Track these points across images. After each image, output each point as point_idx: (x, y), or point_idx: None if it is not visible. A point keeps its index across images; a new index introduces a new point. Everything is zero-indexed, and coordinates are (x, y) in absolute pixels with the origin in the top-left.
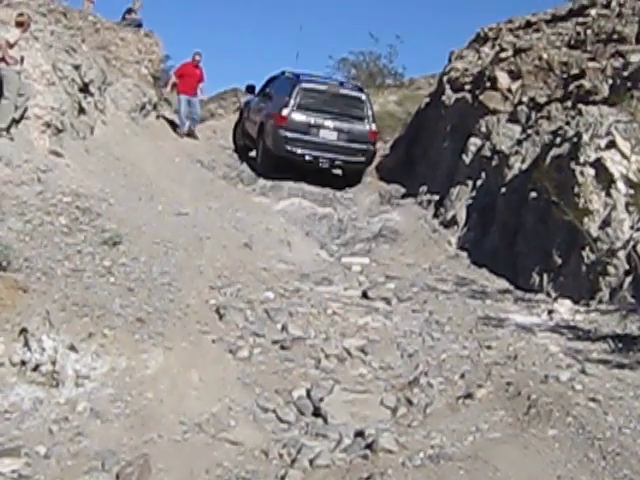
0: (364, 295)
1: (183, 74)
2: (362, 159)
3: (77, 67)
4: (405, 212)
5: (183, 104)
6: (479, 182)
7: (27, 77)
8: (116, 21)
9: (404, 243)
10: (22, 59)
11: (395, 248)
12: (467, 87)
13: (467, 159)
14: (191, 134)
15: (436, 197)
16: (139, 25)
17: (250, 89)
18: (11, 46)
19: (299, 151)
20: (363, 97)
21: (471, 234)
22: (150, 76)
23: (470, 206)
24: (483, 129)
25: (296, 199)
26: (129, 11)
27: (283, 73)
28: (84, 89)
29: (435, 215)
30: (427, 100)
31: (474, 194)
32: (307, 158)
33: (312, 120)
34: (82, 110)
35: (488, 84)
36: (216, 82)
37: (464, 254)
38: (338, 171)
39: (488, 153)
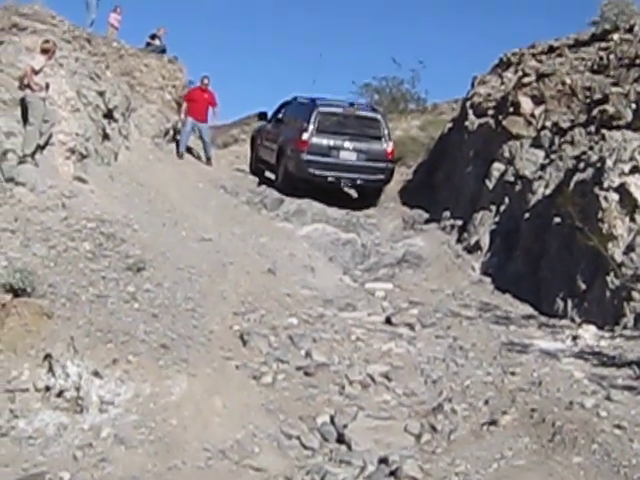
0: (388, 321)
1: (191, 99)
2: (382, 177)
3: (101, 93)
4: (428, 237)
5: (187, 127)
6: (502, 207)
7: (52, 103)
8: (140, 47)
9: (427, 268)
10: (47, 86)
11: (418, 273)
12: (490, 112)
13: (490, 184)
14: (208, 161)
15: (459, 222)
16: (163, 51)
17: (262, 116)
18: (36, 73)
19: (321, 173)
20: (379, 117)
21: (495, 259)
22: (174, 102)
23: (494, 231)
24: (506, 154)
25: (319, 224)
26: (153, 37)
27: (295, 98)
28: (108, 115)
29: (458, 240)
30: (450, 125)
31: (497, 219)
32: (329, 179)
33: (331, 142)
34: (106, 136)
35: (511, 109)
36: (239, 107)
37: (488, 279)
38: (352, 192)
39: (511, 178)
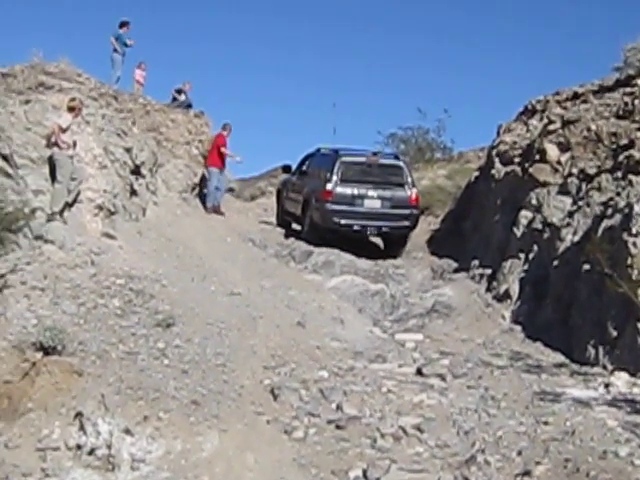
0: (418, 372)
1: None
2: (407, 224)
3: (128, 150)
4: (458, 287)
5: (214, 177)
6: (531, 255)
7: (79, 161)
8: (166, 103)
9: (457, 318)
10: (74, 143)
11: (448, 323)
12: (516, 160)
13: (518, 232)
14: (217, 210)
15: (488, 271)
16: (189, 106)
17: (286, 169)
18: (63, 131)
19: (346, 222)
20: (401, 164)
21: (525, 307)
22: (200, 156)
23: (523, 279)
24: (534, 202)
25: (348, 276)
26: (179, 92)
27: (319, 150)
28: (135, 171)
29: (488, 289)
30: (477, 174)
31: (526, 267)
32: (355, 228)
33: (356, 191)
34: (134, 192)
35: (537, 157)
36: (266, 160)
37: (518, 328)
38: (379, 241)
39: (539, 226)
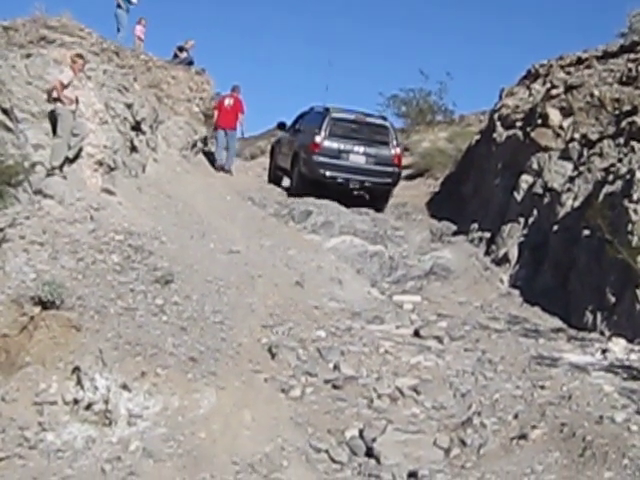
0: (416, 334)
1: (219, 107)
2: (389, 180)
3: (129, 106)
4: (456, 250)
5: (220, 138)
6: (531, 220)
7: (80, 116)
8: (167, 59)
9: (456, 281)
10: (76, 99)
11: (447, 286)
12: (518, 124)
13: (518, 196)
14: (226, 170)
15: (487, 235)
16: (190, 63)
17: (281, 126)
18: (65, 87)
19: (332, 174)
20: (387, 124)
21: (523, 272)
22: (201, 114)
23: (522, 244)
24: (535, 166)
25: (347, 237)
26: (180, 49)
27: (312, 108)
28: (136, 127)
29: (487, 253)
30: (478, 137)
31: (526, 232)
32: (339, 180)
33: (342, 146)
34: (134, 148)
35: (539, 121)
36: (266, 119)
37: (516, 292)
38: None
39: (540, 190)
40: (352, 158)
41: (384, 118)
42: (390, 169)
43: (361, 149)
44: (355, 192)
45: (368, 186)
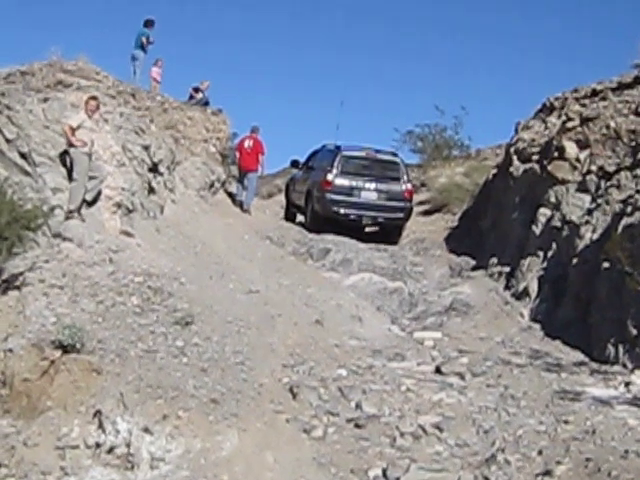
0: (437, 370)
1: (240, 148)
2: (400, 215)
3: (146, 147)
4: (476, 285)
5: (254, 180)
6: (550, 253)
7: (98, 158)
8: (183, 100)
9: (476, 316)
10: (92, 141)
11: (467, 321)
12: (535, 157)
13: (537, 230)
14: (245, 210)
15: (507, 269)
16: (206, 104)
17: (295, 164)
18: (74, 130)
19: (344, 211)
20: (398, 160)
21: (543, 306)
22: (218, 154)
23: (542, 277)
24: (552, 199)
25: (366, 274)
26: (196, 90)
27: (324, 146)
28: (153, 169)
29: (506, 287)
30: (494, 171)
31: (545, 265)
32: (352, 217)
33: (354, 183)
34: (152, 190)
35: (556, 154)
36: (283, 157)
37: (537, 326)
38: (375, 228)
39: (558, 223)
40: (364, 195)
41: (394, 154)
42: (402, 204)
43: (372, 185)
44: (368, 228)
45: (381, 222)
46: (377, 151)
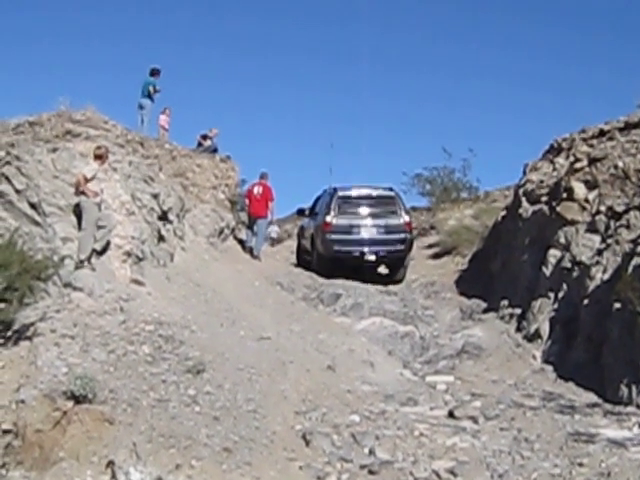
0: (450, 414)
1: (249, 196)
2: (401, 247)
3: (155, 196)
4: (487, 327)
5: (264, 227)
6: (561, 294)
7: (107, 207)
8: (192, 148)
9: (488, 359)
10: (102, 191)
11: (479, 364)
12: (543, 199)
13: (547, 271)
14: (255, 256)
15: (518, 311)
16: (215, 151)
17: (301, 212)
18: (88, 180)
19: (346, 249)
20: (393, 195)
21: (555, 347)
22: (227, 201)
23: (553, 319)
24: (562, 240)
25: (377, 318)
26: (204, 137)
27: (325, 190)
28: (163, 217)
29: (518, 329)
30: (504, 213)
31: (556, 306)
32: (355, 254)
33: (353, 221)
34: (162, 238)
35: (565, 195)
36: (293, 202)
37: (549, 368)
38: (384, 269)
39: (568, 264)
40: (363, 231)
41: (389, 189)
42: (402, 236)
43: (371, 222)
44: (371, 263)
45: (383, 255)
46: (372, 188)
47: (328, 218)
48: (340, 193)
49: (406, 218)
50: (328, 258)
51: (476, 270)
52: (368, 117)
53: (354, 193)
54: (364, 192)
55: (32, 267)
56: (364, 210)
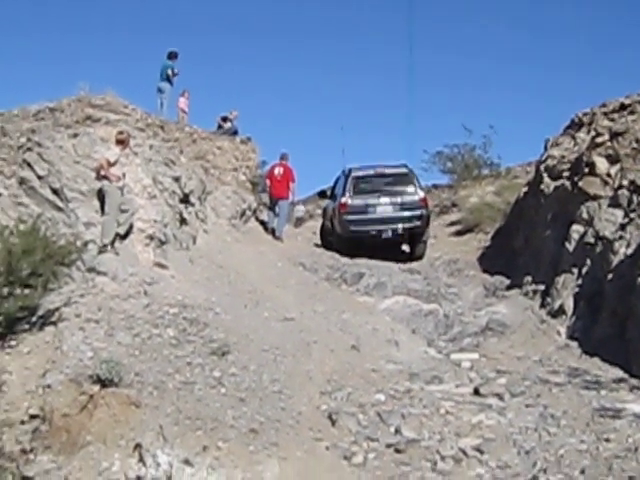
0: (476, 392)
1: (270, 177)
2: (418, 223)
3: (177, 179)
4: (511, 304)
5: (286, 208)
6: (584, 269)
7: (129, 192)
8: (212, 130)
9: (512, 335)
10: (124, 175)
11: (504, 341)
12: (565, 174)
13: (570, 247)
14: (277, 237)
15: (541, 287)
16: (235, 133)
17: (322, 194)
18: (112, 164)
19: (363, 228)
20: (406, 171)
21: (580, 323)
22: (248, 182)
23: (577, 294)
24: (585, 215)
25: (400, 297)
26: (224, 119)
27: (343, 172)
28: (185, 200)
29: (542, 305)
30: (525, 189)
31: (580, 282)
32: (372, 233)
33: (368, 201)
34: (184, 221)
35: (586, 170)
36: (313, 182)
37: (574, 344)
38: (406, 247)
39: (592, 240)
40: (379, 210)
41: (403, 165)
42: (418, 212)
43: (386, 199)
44: (389, 241)
45: (401, 233)
46: (386, 166)
47: (343, 199)
48: (354, 174)
49: (421, 194)
50: (346, 238)
51: (499, 247)
52: (386, 97)
53: (368, 173)
54: (378, 171)
55: (56, 252)
56: (379, 189)
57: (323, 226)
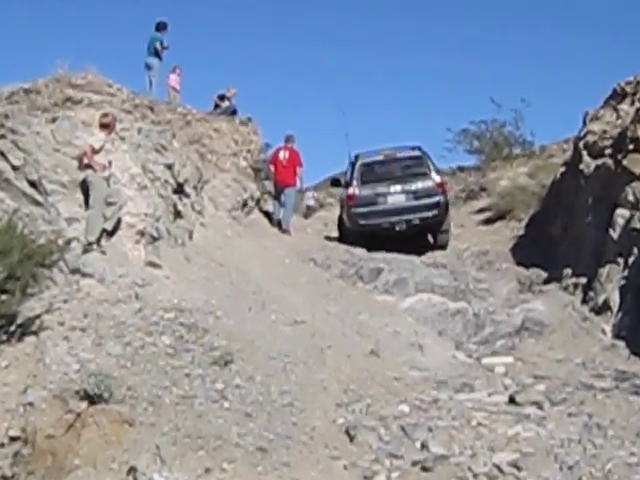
0: (511, 400)
1: (275, 162)
2: (436, 212)
3: (169, 166)
4: (549, 300)
5: (293, 196)
6: (631, 259)
7: (116, 182)
8: (208, 110)
9: (551, 336)
10: (109, 163)
11: (542, 342)
12: (607, 151)
13: (615, 234)
14: (284, 230)
15: (583, 280)
16: (234, 112)
17: (335, 182)
18: (96, 151)
19: (374, 222)
20: (419, 154)
21: (627, 320)
22: (250, 168)
23: (623, 287)
24: (630, 198)
25: (424, 295)
26: (222, 98)
27: (356, 157)
28: (179, 190)
29: (584, 301)
30: (562, 170)
31: (626, 273)
32: (384, 226)
33: (378, 190)
34: (178, 214)
35: (631, 146)
36: (323, 167)
37: (621, 343)
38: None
39: (638, 225)
40: (391, 199)
41: (415, 147)
42: (435, 199)
43: (398, 187)
44: (402, 233)
45: (416, 224)
46: (397, 149)
47: (351, 190)
48: (361, 160)
49: (437, 179)
50: (355, 232)
51: (534, 236)
52: (411, 71)
53: (377, 158)
54: (388, 155)
55: (35, 253)
56: (390, 176)
57: (341, 216)
